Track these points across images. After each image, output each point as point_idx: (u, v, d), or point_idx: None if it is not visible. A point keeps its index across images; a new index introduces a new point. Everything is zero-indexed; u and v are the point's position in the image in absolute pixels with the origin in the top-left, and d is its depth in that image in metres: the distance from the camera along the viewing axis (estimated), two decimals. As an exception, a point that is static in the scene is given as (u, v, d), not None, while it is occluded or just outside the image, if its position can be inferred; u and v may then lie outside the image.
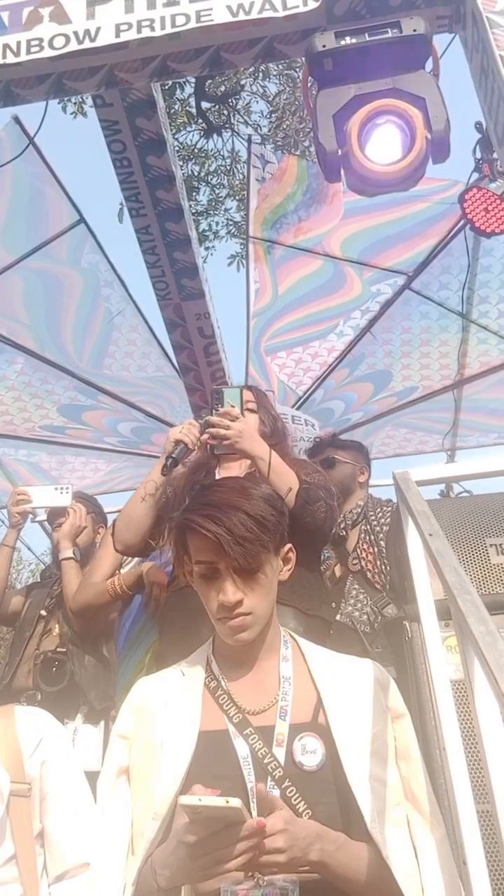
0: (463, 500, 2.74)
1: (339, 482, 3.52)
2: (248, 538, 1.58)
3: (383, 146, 2.20)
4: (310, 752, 1.51)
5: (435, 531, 1.57)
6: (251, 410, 2.50)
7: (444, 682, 1.62)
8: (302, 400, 5.57)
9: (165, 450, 2.41)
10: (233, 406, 2.33)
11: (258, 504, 1.66)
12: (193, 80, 8.06)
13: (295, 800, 1.47)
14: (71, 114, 8.39)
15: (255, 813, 1.46)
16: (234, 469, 2.43)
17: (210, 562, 1.61)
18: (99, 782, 1.66)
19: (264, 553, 1.61)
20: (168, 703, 1.63)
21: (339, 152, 2.21)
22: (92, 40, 2.52)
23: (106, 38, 2.50)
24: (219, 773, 1.51)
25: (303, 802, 1.47)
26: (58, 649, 3.20)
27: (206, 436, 2.31)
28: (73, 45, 2.51)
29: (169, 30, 2.49)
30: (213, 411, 2.33)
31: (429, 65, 2.31)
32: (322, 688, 1.60)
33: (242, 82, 8.93)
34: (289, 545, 1.72)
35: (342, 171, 2.26)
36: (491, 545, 2.30)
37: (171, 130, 8.42)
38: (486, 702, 1.23)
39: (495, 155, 2.88)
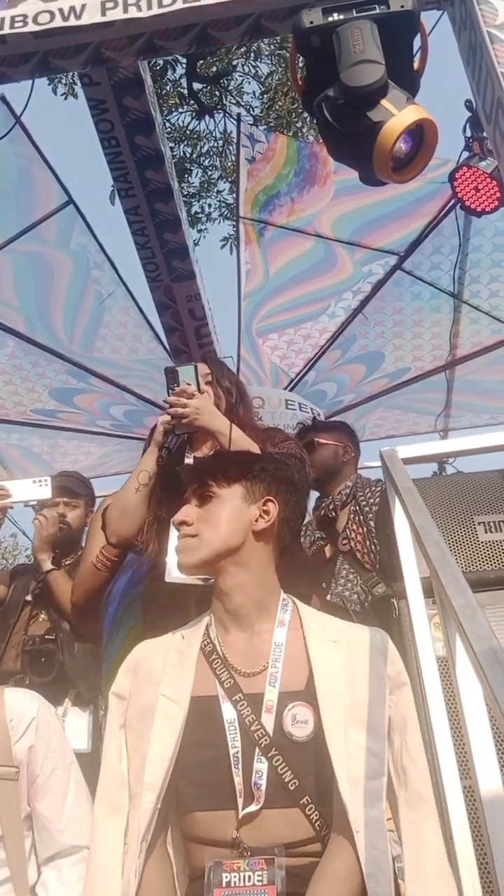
0: (452, 478, 2.75)
1: (322, 464, 3.54)
2: (200, 466, 1.85)
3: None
4: (300, 723, 1.50)
5: (419, 507, 1.57)
6: (207, 383, 2.48)
7: (429, 657, 1.63)
8: (294, 382, 5.57)
9: (156, 440, 2.35)
10: (188, 384, 2.32)
11: (242, 452, 1.90)
12: (185, 60, 8.00)
13: (282, 770, 1.46)
14: (62, 94, 8.33)
15: (239, 781, 1.46)
16: (203, 450, 2.42)
17: (185, 497, 1.79)
18: (104, 742, 1.66)
19: (218, 484, 1.74)
20: (165, 666, 1.63)
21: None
22: (77, 17, 2.49)
23: (91, 17, 2.47)
24: (205, 740, 1.51)
25: (289, 773, 1.46)
26: (46, 636, 3.15)
27: (165, 417, 2.30)
28: (58, 22, 2.48)
29: (156, 10, 2.47)
30: (170, 391, 2.32)
31: (417, 42, 2.29)
32: (314, 655, 1.59)
33: (234, 63, 8.85)
34: (268, 498, 1.75)
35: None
36: (479, 523, 2.31)
37: (163, 112, 8.37)
38: (466, 673, 1.23)
39: (485, 133, 2.86)
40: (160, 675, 1.61)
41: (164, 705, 1.55)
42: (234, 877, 1.41)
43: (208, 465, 1.83)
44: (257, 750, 1.48)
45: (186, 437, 2.40)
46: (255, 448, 2.25)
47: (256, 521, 1.72)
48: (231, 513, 1.71)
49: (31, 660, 3.10)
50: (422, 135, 2.16)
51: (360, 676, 1.56)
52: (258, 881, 1.40)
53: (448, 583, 1.21)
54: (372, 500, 3.32)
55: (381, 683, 1.56)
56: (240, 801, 1.45)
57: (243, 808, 1.45)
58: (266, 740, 1.49)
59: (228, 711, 1.53)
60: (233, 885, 1.40)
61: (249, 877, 1.40)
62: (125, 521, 2.35)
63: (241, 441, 2.25)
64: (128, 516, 2.34)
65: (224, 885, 1.41)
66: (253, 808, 1.44)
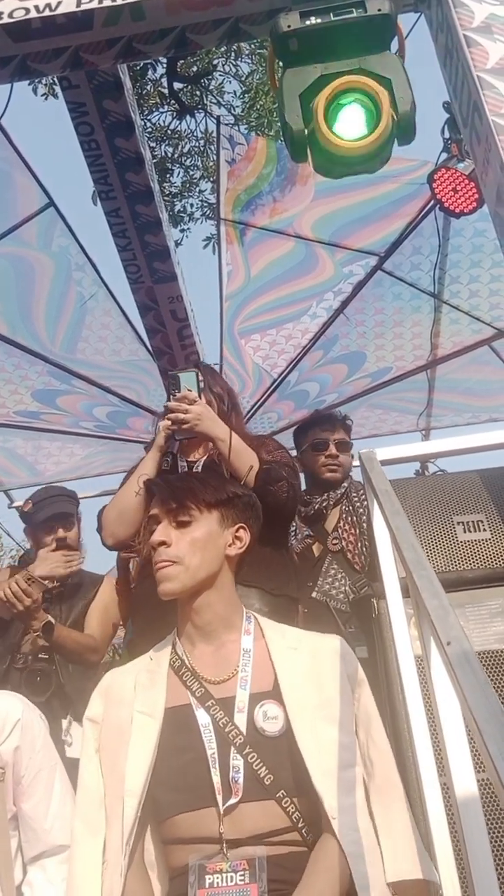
0: (432, 478, 2.77)
1: (348, 469, 3.65)
2: (180, 487, 1.82)
3: (349, 124, 2.19)
4: (271, 719, 1.56)
5: (395, 509, 1.60)
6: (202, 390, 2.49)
7: (407, 656, 1.66)
8: (277, 382, 5.58)
9: (157, 444, 2.35)
10: (189, 390, 2.33)
11: (211, 476, 1.93)
12: (165, 60, 7.99)
13: (257, 766, 1.51)
14: (42, 95, 8.30)
15: (217, 780, 1.50)
16: (196, 453, 2.44)
17: (154, 514, 1.79)
18: (81, 764, 1.69)
19: (198, 508, 1.76)
20: (137, 687, 1.67)
21: (305, 131, 2.20)
22: (52, 10, 2.48)
23: (66, 8, 2.46)
24: (182, 745, 1.56)
25: (264, 768, 1.51)
26: (41, 656, 3.09)
27: (165, 422, 2.31)
28: (33, 14, 2.47)
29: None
30: (171, 396, 2.34)
31: (394, 45, 2.31)
32: (277, 659, 1.65)
33: (215, 62, 8.84)
34: (240, 524, 1.80)
35: (309, 151, 2.25)
36: (458, 523, 2.33)
37: (144, 112, 8.35)
38: (440, 673, 1.25)
39: (462, 135, 2.88)
40: (132, 696, 1.66)
41: (139, 720, 1.60)
42: (217, 878, 1.45)
43: (189, 486, 1.83)
44: (233, 748, 1.53)
45: (180, 443, 2.41)
46: (253, 455, 2.29)
47: (230, 546, 1.78)
48: (209, 538, 1.76)
49: (26, 678, 3.05)
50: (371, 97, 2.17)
51: (325, 678, 1.63)
52: (240, 881, 1.44)
53: (422, 585, 1.23)
54: (366, 502, 3.34)
55: (345, 683, 1.63)
56: (219, 797, 1.50)
57: (224, 804, 1.49)
58: (241, 738, 1.54)
59: (202, 716, 1.58)
60: (216, 885, 1.44)
61: (232, 877, 1.44)
62: (123, 524, 2.35)
63: (241, 448, 2.28)
64: (126, 519, 2.33)
65: (207, 886, 1.44)
66: (232, 801, 1.49)
